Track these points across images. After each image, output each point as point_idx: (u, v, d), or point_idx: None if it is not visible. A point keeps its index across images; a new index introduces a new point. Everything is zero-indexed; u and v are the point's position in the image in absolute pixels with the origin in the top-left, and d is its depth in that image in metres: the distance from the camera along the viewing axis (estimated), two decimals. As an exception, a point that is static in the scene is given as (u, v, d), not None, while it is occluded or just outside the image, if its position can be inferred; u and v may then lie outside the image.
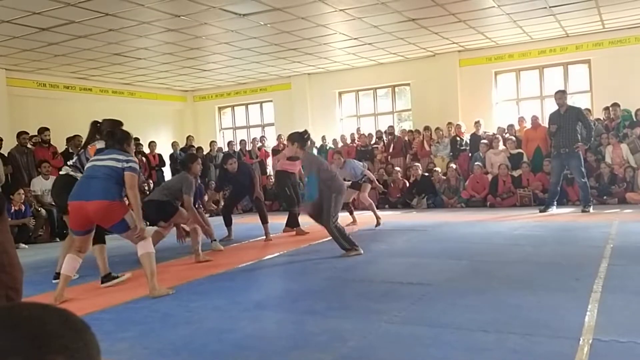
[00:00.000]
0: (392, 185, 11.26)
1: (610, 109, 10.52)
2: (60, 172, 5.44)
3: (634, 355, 2.64)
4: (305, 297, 4.20)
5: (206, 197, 11.05)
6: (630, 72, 10.91)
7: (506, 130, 11.41)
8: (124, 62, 11.19)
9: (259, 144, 13.74)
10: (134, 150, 4.95)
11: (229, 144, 13.81)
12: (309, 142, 6.24)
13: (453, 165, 11.03)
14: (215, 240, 6.73)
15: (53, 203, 7.98)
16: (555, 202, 8.84)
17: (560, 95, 8.62)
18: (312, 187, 5.74)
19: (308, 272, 5.28)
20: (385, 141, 12.43)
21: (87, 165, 4.57)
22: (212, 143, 13.95)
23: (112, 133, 4.62)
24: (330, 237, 5.96)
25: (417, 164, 11.28)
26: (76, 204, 4.36)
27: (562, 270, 4.55)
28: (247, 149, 13.61)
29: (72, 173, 5.10)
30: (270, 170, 12.67)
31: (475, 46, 12.02)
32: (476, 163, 10.82)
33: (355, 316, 3.53)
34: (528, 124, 11.18)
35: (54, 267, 5.40)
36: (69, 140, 10.45)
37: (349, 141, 12.74)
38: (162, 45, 10.12)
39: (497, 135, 11.23)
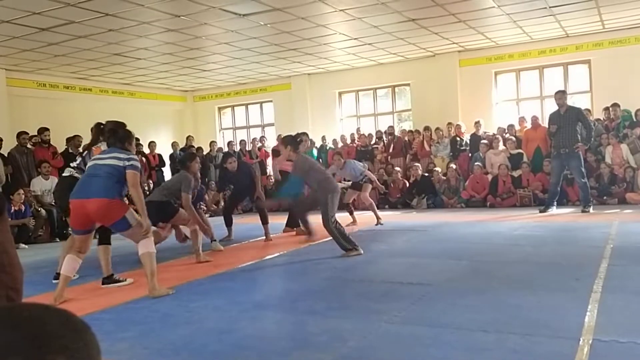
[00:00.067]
0: (392, 185, 11.26)
1: (610, 109, 10.52)
2: (64, 174, 5.42)
3: (634, 356, 2.64)
4: (305, 297, 4.20)
5: (207, 198, 11.07)
6: (630, 72, 10.90)
7: (506, 131, 11.40)
8: (124, 62, 11.19)
9: (259, 144, 13.74)
10: (135, 150, 4.94)
11: (229, 144, 13.80)
12: (301, 145, 6.33)
13: (453, 166, 11.03)
14: (215, 240, 6.75)
15: (55, 204, 8.00)
16: (555, 203, 8.83)
17: (560, 95, 8.62)
18: (295, 185, 6.07)
19: (308, 272, 5.29)
20: (385, 141, 12.43)
21: (89, 164, 4.57)
22: (212, 143, 13.95)
23: (114, 131, 4.61)
24: (330, 237, 5.97)
25: (417, 164, 11.27)
26: (77, 202, 4.36)
27: (562, 271, 4.55)
28: (247, 149, 13.61)
29: (76, 175, 5.07)
30: (270, 170, 12.66)
31: (475, 46, 12.02)
32: (476, 163, 10.81)
33: (355, 316, 3.53)
34: (528, 124, 11.18)
35: (54, 267, 5.40)
36: (68, 140, 10.46)
37: (349, 141, 12.74)
38: (162, 46, 10.12)
39: (497, 136, 11.23)
